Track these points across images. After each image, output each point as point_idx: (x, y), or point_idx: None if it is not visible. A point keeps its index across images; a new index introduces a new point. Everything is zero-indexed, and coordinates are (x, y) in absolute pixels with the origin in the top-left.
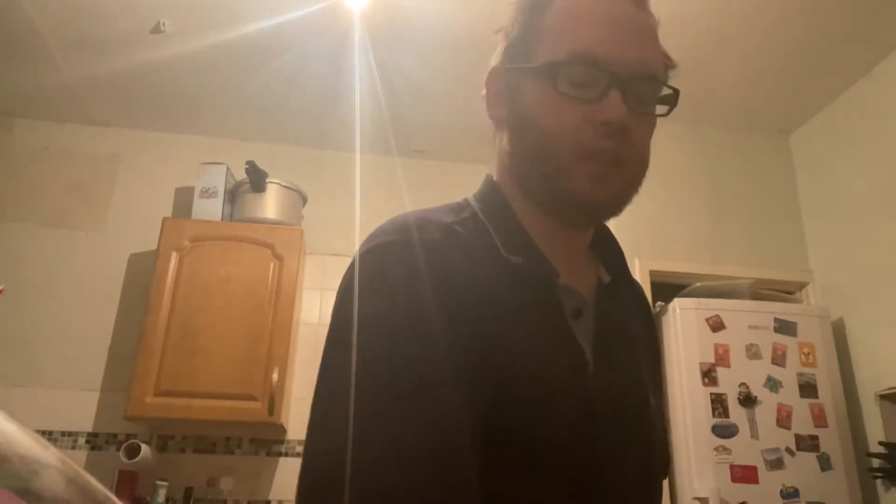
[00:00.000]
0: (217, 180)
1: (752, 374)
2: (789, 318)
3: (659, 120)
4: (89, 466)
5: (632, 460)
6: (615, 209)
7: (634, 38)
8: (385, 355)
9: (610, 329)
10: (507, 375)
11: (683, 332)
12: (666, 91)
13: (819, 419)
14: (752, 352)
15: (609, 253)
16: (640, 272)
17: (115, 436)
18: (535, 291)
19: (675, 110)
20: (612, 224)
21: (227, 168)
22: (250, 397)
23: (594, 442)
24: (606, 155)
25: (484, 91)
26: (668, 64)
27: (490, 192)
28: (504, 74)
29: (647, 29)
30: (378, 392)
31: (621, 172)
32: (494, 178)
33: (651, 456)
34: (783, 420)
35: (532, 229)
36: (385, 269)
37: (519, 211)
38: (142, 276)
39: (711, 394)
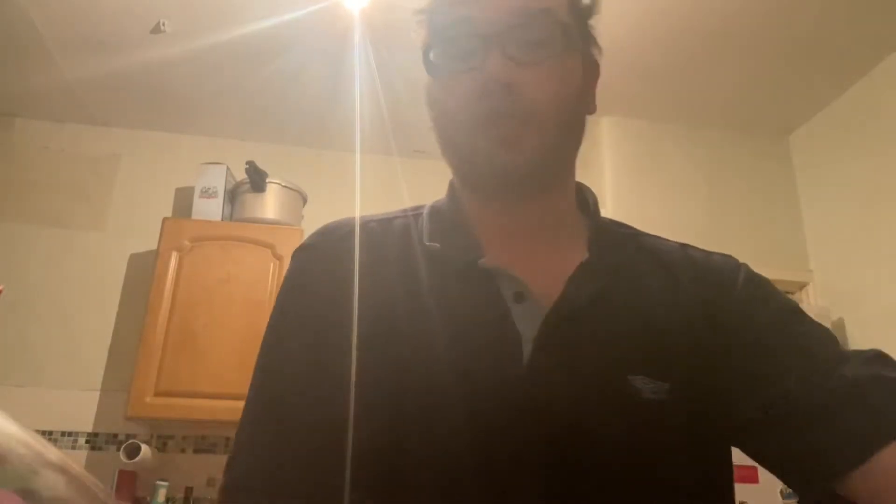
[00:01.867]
0: (217, 180)
1: None
2: None
3: (659, 120)
4: (89, 466)
5: (581, 455)
6: (533, 170)
7: None
8: (259, 363)
9: (578, 314)
10: (411, 367)
11: None
12: (566, 16)
13: None
14: None
15: (596, 233)
16: None
17: (115, 436)
18: (457, 276)
19: (675, 110)
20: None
21: (227, 168)
22: None
23: (525, 437)
24: (501, 117)
25: None
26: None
27: (448, 189)
28: (427, 85)
29: None
30: (249, 398)
31: (531, 131)
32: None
33: (618, 455)
34: None
35: (474, 217)
36: (285, 278)
37: (463, 202)
38: (142, 276)
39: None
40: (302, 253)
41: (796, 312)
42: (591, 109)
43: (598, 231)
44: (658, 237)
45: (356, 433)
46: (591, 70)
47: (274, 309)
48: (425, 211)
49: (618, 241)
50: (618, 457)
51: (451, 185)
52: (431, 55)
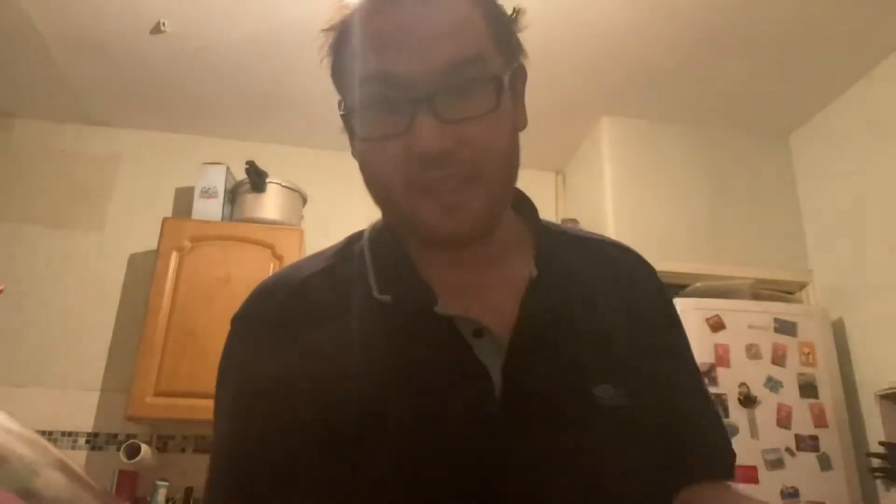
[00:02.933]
0: (217, 180)
1: (752, 374)
2: (789, 318)
3: (659, 120)
4: (89, 466)
5: (563, 474)
6: (481, 229)
7: (424, 44)
8: (214, 440)
9: (537, 335)
10: (382, 419)
11: None
12: (493, 52)
13: (819, 419)
14: (752, 352)
15: (540, 243)
16: None
17: (115, 436)
18: (414, 324)
19: (676, 110)
20: (612, 224)
21: (227, 168)
22: None
23: (501, 465)
24: (441, 186)
25: None
26: (501, 30)
27: (383, 224)
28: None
29: (443, 23)
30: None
31: (473, 193)
32: None
33: (598, 469)
34: (783, 420)
35: (419, 259)
36: (222, 357)
37: (406, 243)
38: (142, 276)
39: (711, 394)
40: (235, 327)
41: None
42: (522, 126)
43: (540, 240)
44: (581, 231)
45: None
46: (519, 88)
47: (220, 384)
48: (366, 252)
49: (560, 245)
50: (594, 466)
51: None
52: (350, 109)
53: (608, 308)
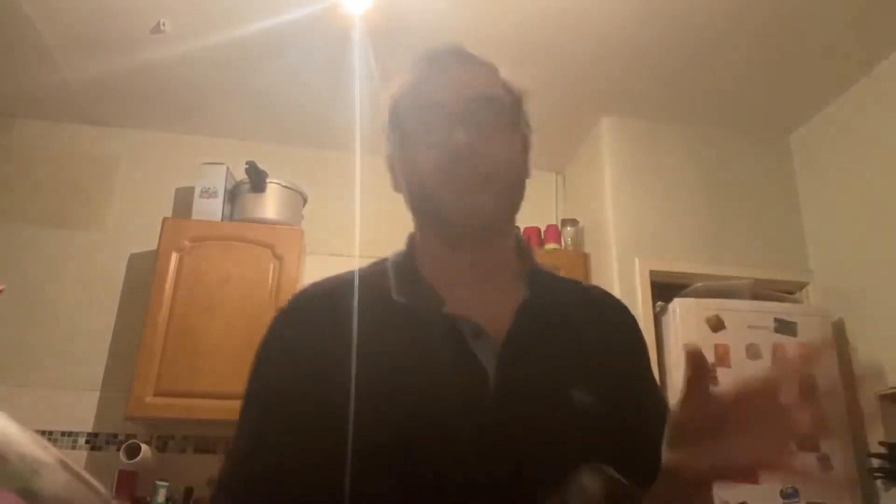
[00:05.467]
0: (217, 180)
1: (753, 374)
2: (789, 318)
3: (659, 120)
4: (89, 466)
5: (539, 467)
6: (493, 212)
7: (459, 83)
8: (240, 422)
9: (526, 342)
10: (397, 399)
11: (683, 332)
12: (508, 104)
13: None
14: (752, 352)
15: (532, 275)
16: (640, 272)
17: (115, 436)
18: (424, 323)
19: (675, 110)
20: (612, 224)
21: (227, 168)
22: None
23: (492, 451)
24: (471, 175)
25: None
26: (511, 90)
27: (407, 243)
28: (394, 155)
29: (470, 71)
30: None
31: (491, 186)
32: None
33: (570, 457)
34: None
35: (433, 268)
36: (262, 343)
37: (422, 255)
38: (142, 276)
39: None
40: (278, 320)
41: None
42: (528, 175)
43: (532, 273)
44: (566, 279)
45: (354, 448)
46: (526, 145)
47: (251, 372)
48: (389, 266)
49: (549, 280)
50: (569, 454)
51: (411, 241)
52: (402, 130)
53: (587, 334)
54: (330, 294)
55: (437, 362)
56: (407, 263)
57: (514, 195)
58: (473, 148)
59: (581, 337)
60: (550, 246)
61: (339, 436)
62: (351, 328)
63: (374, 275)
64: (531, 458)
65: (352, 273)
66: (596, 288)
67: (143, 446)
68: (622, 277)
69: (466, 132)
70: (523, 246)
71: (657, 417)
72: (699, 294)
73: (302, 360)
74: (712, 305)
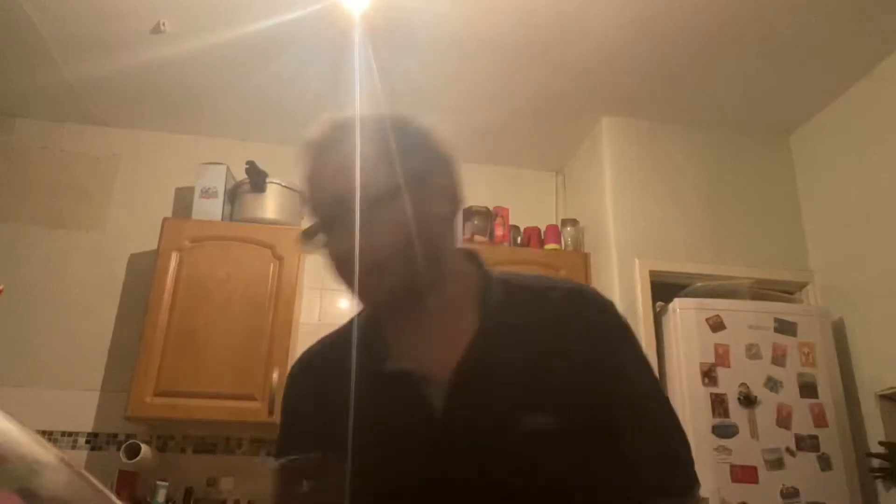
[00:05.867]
0: (217, 180)
1: (752, 374)
2: (789, 318)
3: (659, 120)
4: (89, 466)
5: (494, 487)
6: (396, 290)
7: (335, 178)
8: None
9: (474, 376)
10: (358, 443)
11: (683, 332)
12: (394, 186)
13: (819, 419)
14: (752, 352)
15: (485, 297)
16: (640, 272)
17: (115, 436)
18: (379, 374)
19: (676, 110)
20: (612, 224)
21: (227, 168)
22: (250, 397)
23: (443, 479)
24: (354, 273)
25: None
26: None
27: None
28: None
29: (350, 155)
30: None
31: (385, 274)
32: None
33: (520, 480)
34: (783, 420)
35: (388, 323)
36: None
37: (377, 315)
38: (142, 276)
39: (711, 394)
40: (291, 371)
41: (624, 338)
42: (448, 231)
43: (485, 299)
44: (527, 278)
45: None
46: (435, 212)
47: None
48: (354, 325)
49: (504, 297)
50: (524, 483)
51: None
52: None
53: (545, 348)
54: (315, 357)
55: (390, 407)
56: (365, 322)
57: (425, 261)
58: (348, 251)
59: (536, 352)
60: (550, 246)
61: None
62: (329, 380)
63: (343, 335)
64: (481, 487)
65: (332, 334)
66: (558, 287)
67: (143, 446)
68: (622, 277)
69: (339, 237)
70: (476, 261)
71: (655, 409)
72: (699, 294)
73: (306, 405)
74: (712, 305)
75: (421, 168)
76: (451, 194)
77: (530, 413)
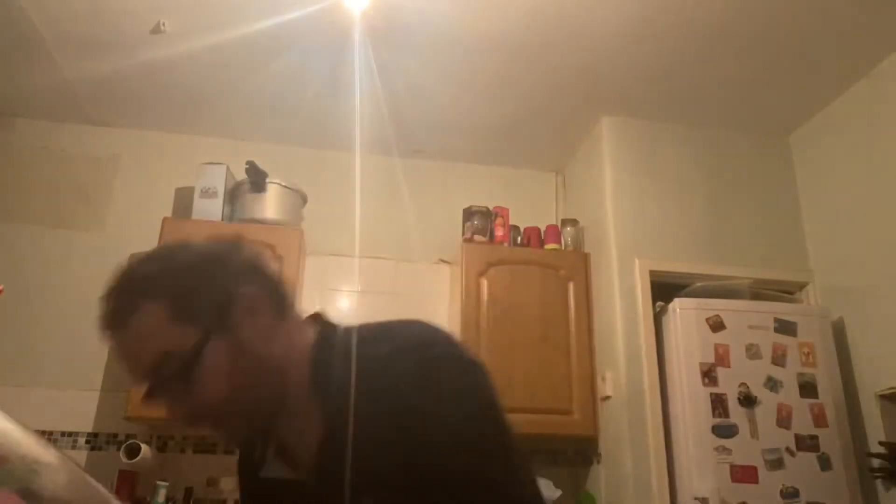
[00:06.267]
0: (217, 180)
1: (752, 374)
2: (789, 318)
3: (659, 120)
4: (89, 466)
5: None
6: (251, 429)
7: (130, 353)
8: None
9: (324, 472)
10: None
11: (683, 332)
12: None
13: (819, 419)
14: (752, 352)
15: (324, 390)
16: (640, 272)
17: (115, 436)
18: (258, 480)
19: (675, 110)
20: (612, 224)
21: (227, 168)
22: None
23: None
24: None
25: None
26: (188, 310)
27: None
28: None
29: (132, 339)
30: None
31: (226, 421)
32: None
33: None
34: (783, 420)
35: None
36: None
37: None
38: None
39: (711, 394)
40: None
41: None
42: (253, 342)
43: (324, 380)
44: (370, 334)
45: None
46: (247, 333)
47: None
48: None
49: (343, 372)
50: None
51: None
52: None
53: (373, 427)
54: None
55: (275, 495)
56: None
57: (261, 382)
58: (183, 416)
59: (370, 438)
60: (550, 246)
61: None
62: (242, 484)
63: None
64: None
65: None
66: (373, 350)
67: (143, 446)
68: (622, 277)
69: (171, 405)
70: (314, 344)
71: (475, 467)
72: (699, 294)
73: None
74: (712, 305)
75: (212, 298)
76: (255, 297)
77: (364, 498)
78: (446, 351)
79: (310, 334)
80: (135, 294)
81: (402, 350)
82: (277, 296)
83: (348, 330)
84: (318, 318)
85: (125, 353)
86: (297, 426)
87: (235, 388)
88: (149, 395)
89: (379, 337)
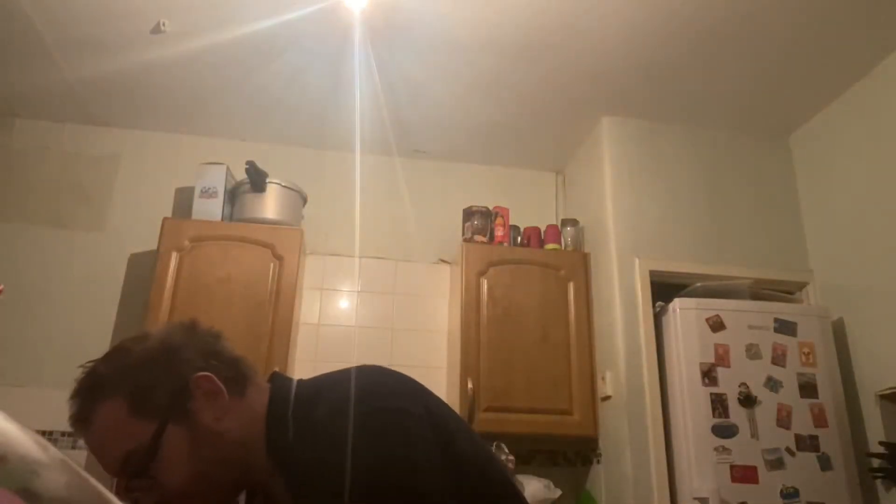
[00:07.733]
0: (217, 180)
1: (752, 374)
2: (789, 318)
3: (659, 120)
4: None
5: None
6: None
7: (97, 449)
8: None
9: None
10: None
11: (683, 332)
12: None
13: (819, 419)
14: (752, 352)
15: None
16: (640, 272)
17: None
18: None
19: (675, 110)
20: (612, 224)
21: (227, 168)
22: None
23: None
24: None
25: None
26: (146, 402)
27: None
28: None
29: (97, 443)
30: None
31: (155, 501)
32: None
33: None
34: (783, 420)
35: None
36: None
37: None
38: (142, 276)
39: (711, 394)
40: None
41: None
42: (213, 423)
43: (282, 455)
44: (301, 395)
45: None
46: (203, 417)
47: None
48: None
49: (289, 443)
50: None
51: None
52: None
53: (327, 487)
54: None
55: None
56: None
57: (223, 457)
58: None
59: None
60: (550, 246)
61: None
62: None
63: None
64: None
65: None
66: (308, 420)
67: None
68: (622, 277)
69: (123, 495)
70: (267, 441)
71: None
72: (699, 294)
73: None
74: (712, 305)
75: (169, 389)
76: (212, 380)
77: None
78: (373, 406)
79: (266, 402)
80: (94, 395)
81: (335, 412)
82: (236, 374)
83: (299, 387)
84: (274, 379)
85: (94, 452)
86: (274, 482)
87: (199, 471)
88: (121, 493)
89: (314, 398)
